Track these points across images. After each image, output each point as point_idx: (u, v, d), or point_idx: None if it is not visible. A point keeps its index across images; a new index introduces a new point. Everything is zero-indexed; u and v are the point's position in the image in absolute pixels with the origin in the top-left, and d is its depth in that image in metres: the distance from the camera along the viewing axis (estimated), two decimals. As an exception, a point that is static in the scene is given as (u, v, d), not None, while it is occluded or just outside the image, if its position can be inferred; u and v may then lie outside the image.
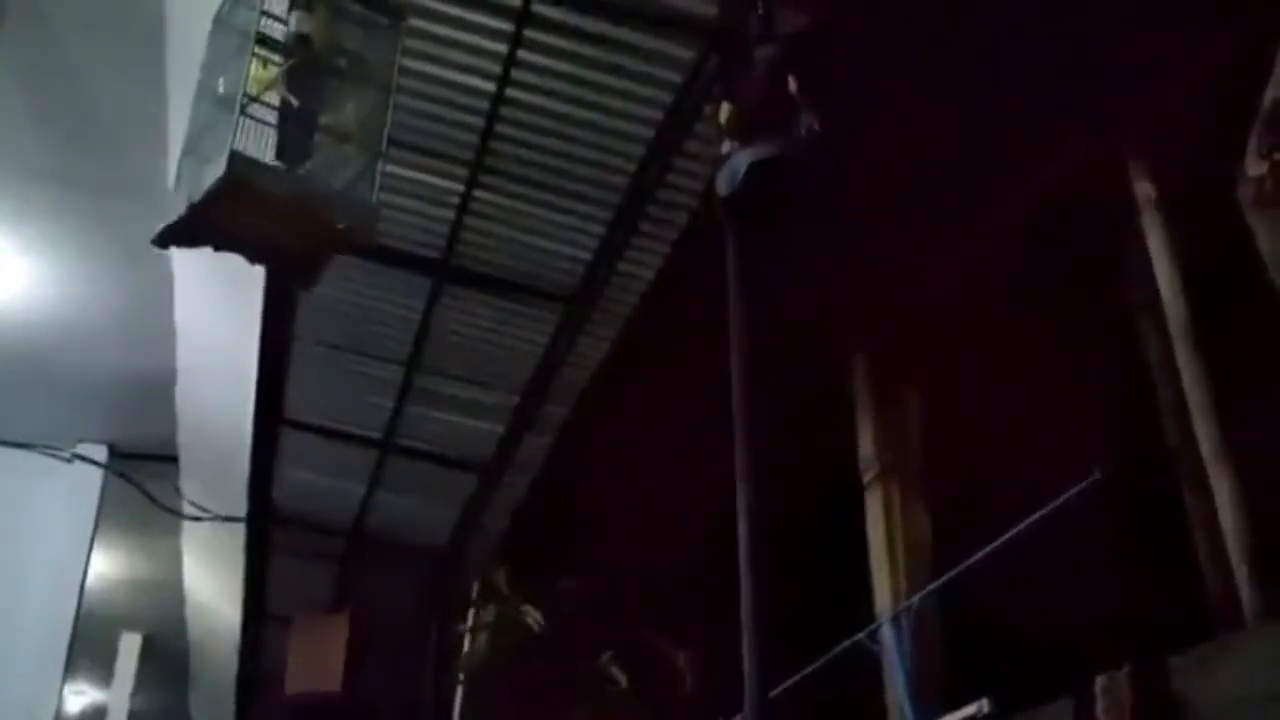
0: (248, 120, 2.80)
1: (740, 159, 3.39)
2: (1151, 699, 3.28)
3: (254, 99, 2.83)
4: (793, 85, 3.41)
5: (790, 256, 4.13)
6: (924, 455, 5.52)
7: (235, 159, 2.73)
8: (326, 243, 3.06)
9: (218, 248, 3.00)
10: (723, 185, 3.43)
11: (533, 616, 6.99)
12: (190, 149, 2.96)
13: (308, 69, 2.98)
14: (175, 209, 2.87)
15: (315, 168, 2.98)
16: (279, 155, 2.92)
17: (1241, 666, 3.16)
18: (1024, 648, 4.80)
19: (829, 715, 4.97)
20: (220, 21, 3.04)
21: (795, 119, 3.34)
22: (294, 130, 2.94)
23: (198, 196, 2.78)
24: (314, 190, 2.97)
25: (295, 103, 2.94)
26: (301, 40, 2.96)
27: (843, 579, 5.56)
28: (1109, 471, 3.75)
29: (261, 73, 2.90)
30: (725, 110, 3.54)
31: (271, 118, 2.90)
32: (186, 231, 2.91)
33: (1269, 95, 3.10)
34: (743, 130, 3.47)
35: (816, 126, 3.29)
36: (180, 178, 2.92)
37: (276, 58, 2.95)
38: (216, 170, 2.73)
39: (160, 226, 2.92)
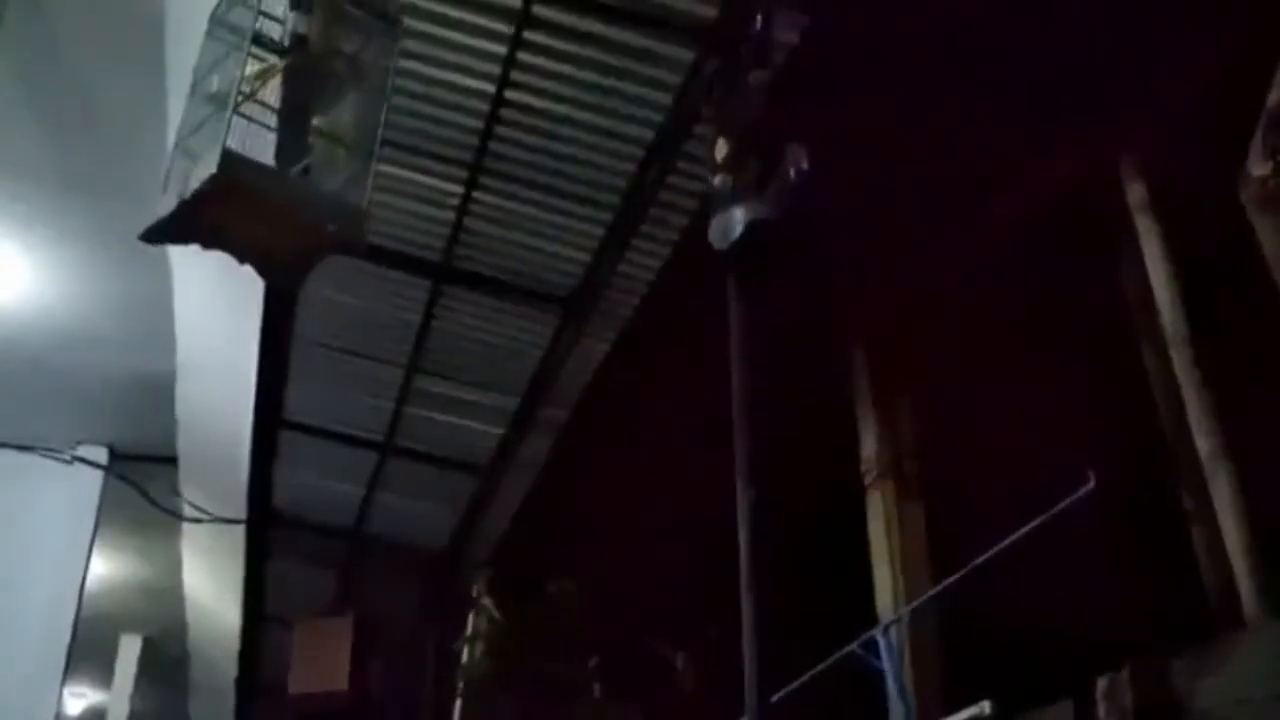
0: (241, 119, 2.78)
1: (735, 217, 3.32)
2: (1152, 700, 3.28)
3: (248, 96, 2.81)
4: (783, 112, 3.37)
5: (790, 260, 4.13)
6: (924, 457, 5.52)
7: (227, 157, 2.72)
8: (314, 244, 3.05)
9: (205, 245, 2.99)
10: (716, 238, 3.39)
11: (524, 636, 7.02)
12: (180, 146, 2.95)
13: (304, 70, 2.97)
14: (164, 205, 2.86)
15: (309, 169, 2.97)
16: (277, 156, 2.91)
17: (1241, 666, 3.16)
18: (1025, 649, 4.80)
19: (831, 717, 4.97)
20: (216, 20, 3.03)
21: (784, 161, 3.26)
22: (289, 131, 2.93)
23: (187, 194, 2.77)
24: (303, 192, 2.95)
25: (290, 103, 2.93)
26: (299, 41, 2.95)
27: (844, 580, 5.55)
28: (1104, 478, 3.74)
29: (255, 72, 2.89)
30: (721, 146, 3.49)
31: (269, 119, 2.90)
32: (175, 228, 2.89)
33: (1274, 96, 3.09)
34: (736, 166, 3.42)
35: (805, 166, 3.22)
36: (170, 174, 2.91)
37: (272, 58, 2.95)
38: (207, 168, 2.72)
39: (150, 222, 2.91)
